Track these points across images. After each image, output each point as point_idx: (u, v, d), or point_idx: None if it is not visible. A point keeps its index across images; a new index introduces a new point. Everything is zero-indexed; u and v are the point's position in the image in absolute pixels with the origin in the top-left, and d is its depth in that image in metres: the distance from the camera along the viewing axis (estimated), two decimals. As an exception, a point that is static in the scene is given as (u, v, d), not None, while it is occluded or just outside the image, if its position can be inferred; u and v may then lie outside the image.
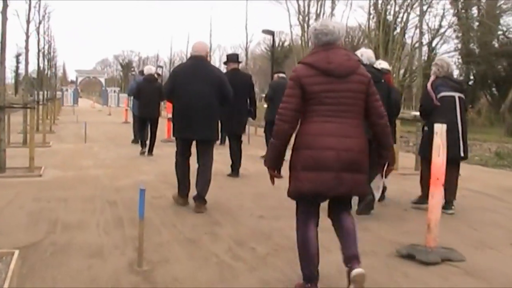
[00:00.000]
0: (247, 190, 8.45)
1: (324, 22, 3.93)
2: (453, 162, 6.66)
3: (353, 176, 3.73)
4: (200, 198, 6.76)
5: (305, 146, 3.74)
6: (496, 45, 34.58)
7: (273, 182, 3.97)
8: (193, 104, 6.68)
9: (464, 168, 9.16)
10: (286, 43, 62.35)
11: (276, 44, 63.37)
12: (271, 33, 20.79)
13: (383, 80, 6.79)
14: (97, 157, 12.23)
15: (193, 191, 6.97)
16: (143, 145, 12.85)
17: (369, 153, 3.90)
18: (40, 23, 21.74)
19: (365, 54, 7.08)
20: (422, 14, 15.04)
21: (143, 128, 13.13)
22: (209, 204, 6.92)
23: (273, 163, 3.91)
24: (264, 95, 14.72)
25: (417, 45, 34.91)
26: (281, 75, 13.17)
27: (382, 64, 7.58)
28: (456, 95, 7.03)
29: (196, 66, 6.85)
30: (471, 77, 36.47)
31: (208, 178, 6.87)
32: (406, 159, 12.48)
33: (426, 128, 7.20)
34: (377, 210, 6.89)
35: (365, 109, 3.85)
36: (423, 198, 6.86)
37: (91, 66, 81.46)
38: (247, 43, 32.57)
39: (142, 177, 9.40)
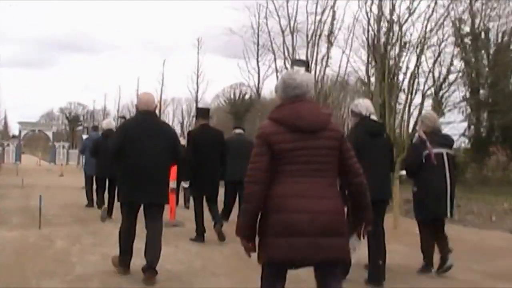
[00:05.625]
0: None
1: (292, 75, 3.77)
2: (439, 222, 7.02)
3: (332, 240, 3.50)
4: (151, 269, 6.14)
5: (275, 209, 3.51)
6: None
7: (248, 255, 3.69)
8: (144, 164, 6.20)
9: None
10: (247, 96, 58.63)
11: (236, 97, 59.67)
12: (305, 63, 15.43)
13: (385, 135, 6.74)
14: (69, 269, 6.71)
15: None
16: (108, 211, 10.92)
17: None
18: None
19: (363, 104, 6.59)
20: None
21: (102, 190, 12.03)
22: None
23: (245, 232, 3.61)
24: None
25: (429, 92, 30.54)
26: (238, 131, 12.19)
27: (372, 116, 6.95)
28: (445, 151, 6.92)
29: (147, 122, 6.43)
30: (481, 129, 32.01)
31: (159, 246, 6.37)
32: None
33: (415, 189, 7.03)
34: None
35: (339, 167, 3.66)
36: (428, 265, 6.92)
37: (34, 118, 74.98)
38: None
39: None
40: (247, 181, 3.60)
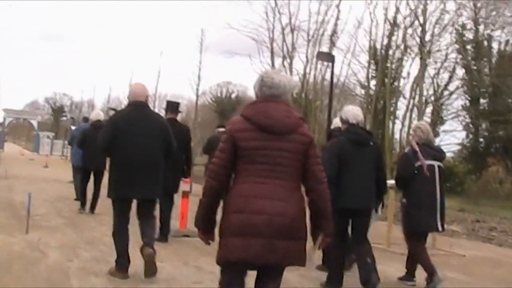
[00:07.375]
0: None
1: (271, 74, 3.70)
2: (427, 235, 7.01)
3: (287, 243, 3.44)
4: (149, 247, 5.92)
5: (235, 209, 3.46)
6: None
7: (206, 243, 3.72)
8: (135, 158, 5.97)
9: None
10: (233, 95, 58.30)
11: (223, 95, 58.98)
12: (331, 58, 14.07)
13: (371, 143, 6.49)
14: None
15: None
16: (83, 204, 11.31)
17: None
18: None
19: (351, 112, 6.52)
20: None
21: (85, 182, 11.54)
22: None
23: (201, 224, 3.64)
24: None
25: (431, 99, 29.66)
26: (221, 129, 12.34)
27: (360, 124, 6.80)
28: (436, 164, 6.78)
29: (138, 114, 6.15)
30: (481, 139, 31.20)
31: (154, 227, 6.43)
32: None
33: (404, 200, 6.85)
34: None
35: (303, 173, 3.59)
36: (409, 275, 6.96)
37: (19, 107, 73.41)
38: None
39: None
40: (207, 175, 3.61)
